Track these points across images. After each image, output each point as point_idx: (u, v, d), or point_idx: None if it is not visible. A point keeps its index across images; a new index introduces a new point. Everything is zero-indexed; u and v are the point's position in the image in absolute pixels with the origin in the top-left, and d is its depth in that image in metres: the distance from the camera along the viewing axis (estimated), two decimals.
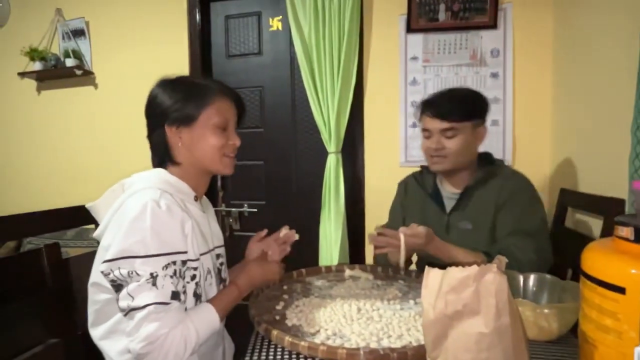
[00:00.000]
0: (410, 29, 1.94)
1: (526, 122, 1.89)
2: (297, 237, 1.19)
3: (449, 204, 1.33)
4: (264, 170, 2.27)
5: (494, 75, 1.90)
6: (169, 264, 0.81)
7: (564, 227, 1.55)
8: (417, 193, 1.42)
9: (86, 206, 0.92)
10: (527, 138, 1.89)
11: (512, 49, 1.87)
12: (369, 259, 1.97)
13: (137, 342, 0.77)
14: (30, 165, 2.56)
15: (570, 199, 1.54)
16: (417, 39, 1.95)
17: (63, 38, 2.41)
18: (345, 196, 2.02)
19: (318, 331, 0.87)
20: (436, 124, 1.24)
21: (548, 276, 0.99)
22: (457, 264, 1.13)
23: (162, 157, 0.96)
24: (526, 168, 1.89)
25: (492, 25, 1.86)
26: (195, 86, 0.95)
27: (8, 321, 0.71)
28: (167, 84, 0.96)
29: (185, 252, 0.86)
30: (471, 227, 1.27)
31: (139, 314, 0.77)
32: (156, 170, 0.94)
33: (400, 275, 1.25)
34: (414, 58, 1.97)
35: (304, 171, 2.21)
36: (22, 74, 2.40)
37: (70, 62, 2.32)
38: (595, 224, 1.38)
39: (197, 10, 2.22)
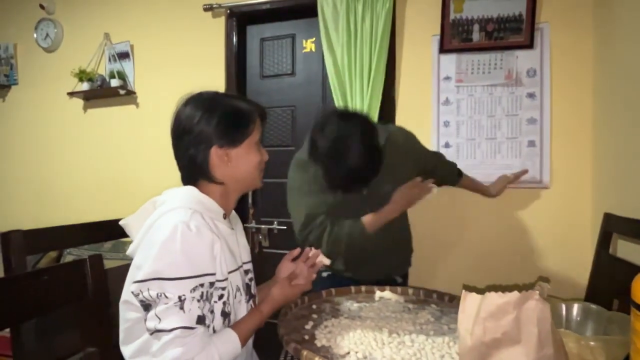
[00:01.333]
0: (443, 49, 1.94)
1: (565, 143, 1.83)
2: (327, 261, 1.16)
3: None
4: None
5: (531, 96, 1.85)
6: (197, 286, 0.82)
7: (608, 253, 1.47)
8: (320, 177, 1.26)
9: (120, 223, 0.94)
10: (566, 159, 1.82)
11: (550, 69, 1.83)
12: None
13: None
14: (75, 179, 2.69)
15: (615, 224, 1.45)
16: (450, 58, 1.94)
17: (109, 60, 2.56)
18: None
19: (348, 353, 0.85)
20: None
21: (593, 306, 0.93)
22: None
23: (197, 175, 0.95)
24: (566, 190, 1.83)
25: (529, 45, 1.83)
26: (241, 108, 0.96)
27: (49, 329, 0.74)
28: (208, 106, 0.94)
29: (214, 274, 0.86)
30: (390, 189, 1.30)
31: (166, 337, 0.78)
32: (187, 189, 0.95)
33: (432, 298, 1.21)
34: (447, 78, 1.96)
35: None
36: (71, 94, 2.56)
37: (114, 83, 2.46)
38: None
39: (234, 33, 2.31)
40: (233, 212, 1.09)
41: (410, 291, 1.26)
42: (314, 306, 1.14)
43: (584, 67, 1.79)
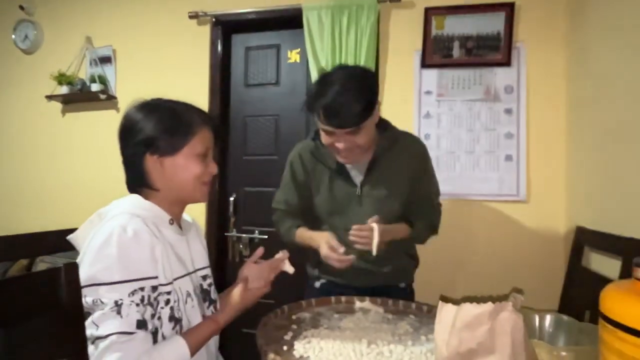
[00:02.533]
0: (424, 64, 1.99)
1: (541, 158, 1.89)
2: (290, 270, 1.10)
3: (357, 177, 1.33)
4: None
5: (508, 111, 1.91)
6: (135, 290, 0.81)
7: (580, 266, 1.51)
8: (318, 169, 1.37)
9: (67, 238, 0.91)
10: (542, 174, 1.88)
11: (526, 86, 1.90)
12: None
13: None
14: (51, 184, 2.62)
15: (587, 237, 1.51)
16: (431, 73, 1.99)
17: (90, 64, 2.52)
18: None
19: None
20: (338, 130, 1.18)
21: (565, 317, 0.96)
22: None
23: (137, 182, 0.95)
24: (541, 204, 1.88)
25: (506, 62, 1.89)
26: (180, 115, 0.94)
27: (19, 341, 0.71)
28: (150, 110, 0.94)
29: (156, 277, 0.85)
30: (386, 192, 1.31)
31: (102, 344, 0.76)
32: (131, 197, 0.94)
33: (411, 309, 1.22)
34: (428, 92, 2.00)
35: None
36: (50, 97, 2.50)
37: (95, 87, 2.42)
38: (613, 264, 1.35)
39: (219, 42, 2.32)
40: (189, 218, 1.08)
41: (390, 302, 1.27)
42: (294, 316, 1.14)
43: (557, 84, 1.87)
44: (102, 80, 2.46)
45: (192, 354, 0.88)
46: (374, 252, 1.17)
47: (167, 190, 0.95)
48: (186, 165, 0.93)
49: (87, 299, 0.78)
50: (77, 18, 2.59)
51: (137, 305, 0.80)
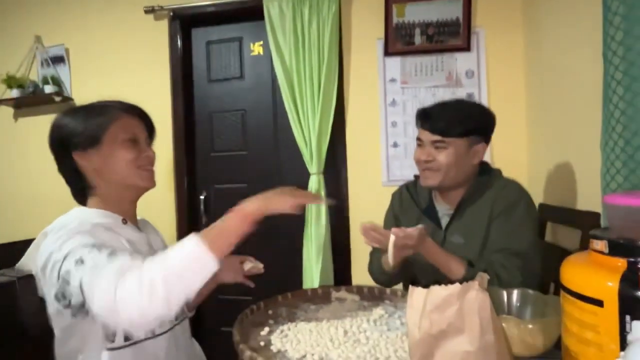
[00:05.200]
0: (387, 52, 2.00)
1: (502, 140, 1.94)
2: (261, 269, 1.11)
3: (444, 220, 1.28)
4: (247, 193, 2.25)
5: (470, 96, 1.96)
6: (96, 243, 0.79)
7: (544, 241, 1.58)
8: (412, 207, 1.35)
9: (16, 267, 0.90)
10: (505, 155, 1.94)
11: (486, 70, 1.95)
12: (356, 279, 1.96)
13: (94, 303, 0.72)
14: (6, 193, 2.48)
15: (548, 213, 1.57)
16: (394, 61, 2.01)
17: (42, 65, 2.39)
18: (330, 216, 2.02)
19: (304, 356, 0.85)
20: (427, 135, 1.20)
21: (530, 291, 1.00)
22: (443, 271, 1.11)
23: (78, 187, 0.94)
24: None
25: (466, 48, 1.93)
26: (94, 108, 0.94)
27: None
28: (66, 113, 0.95)
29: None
30: (463, 241, 1.21)
31: (106, 278, 0.72)
32: (73, 210, 0.93)
33: (386, 294, 1.24)
34: (393, 80, 2.02)
35: None
36: None
37: (49, 89, 2.30)
38: (574, 238, 1.41)
39: (178, 37, 2.25)
40: (145, 220, 1.08)
41: (365, 289, 1.28)
42: (270, 311, 1.13)
43: (516, 67, 1.93)
44: (56, 81, 2.34)
45: (217, 250, 0.76)
46: (390, 261, 1.09)
47: (106, 184, 0.93)
48: (112, 153, 0.91)
49: (62, 271, 0.75)
50: (24, 16, 2.44)
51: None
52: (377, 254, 1.30)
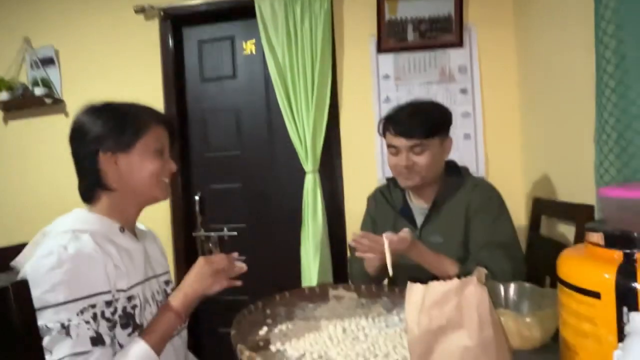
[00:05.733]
0: (380, 49, 2.00)
1: (497, 135, 1.96)
2: (244, 268, 1.04)
3: (419, 219, 1.32)
4: (242, 192, 2.26)
5: (463, 91, 1.96)
6: (85, 308, 0.78)
7: (539, 235, 1.59)
8: (387, 209, 1.39)
9: (11, 264, 0.87)
10: (499, 150, 1.95)
11: (479, 65, 1.95)
12: None
13: None
14: None
15: (543, 207, 1.58)
16: (388, 58, 2.01)
17: (31, 67, 2.36)
18: (327, 214, 2.03)
19: (303, 355, 0.85)
20: (403, 142, 1.23)
21: (527, 285, 1.00)
22: (436, 274, 1.12)
23: (92, 184, 0.92)
24: (499, 179, 1.94)
25: (458, 43, 1.94)
26: (129, 113, 0.93)
27: None
28: (98, 111, 0.93)
29: (108, 292, 0.82)
30: (442, 240, 1.25)
31: None
32: (73, 212, 0.92)
33: (384, 292, 1.24)
34: (386, 76, 2.02)
35: (283, 192, 2.20)
36: None
37: (39, 91, 2.27)
38: (569, 231, 1.43)
39: (169, 36, 2.23)
40: (143, 227, 1.07)
41: (363, 287, 1.28)
42: (268, 311, 1.13)
43: (508, 62, 1.93)
44: (46, 83, 2.31)
45: (158, 351, 0.85)
46: (390, 271, 1.08)
47: (124, 190, 0.92)
48: (142, 162, 0.91)
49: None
50: (12, 17, 2.40)
51: (88, 322, 0.77)
52: (357, 260, 1.30)
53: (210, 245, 2.26)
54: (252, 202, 2.24)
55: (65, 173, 2.37)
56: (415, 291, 0.63)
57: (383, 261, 1.10)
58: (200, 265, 0.95)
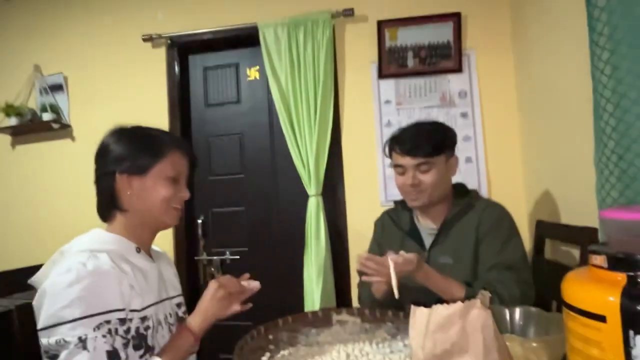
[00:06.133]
0: (381, 74, 2.04)
1: (498, 157, 1.97)
2: (258, 286, 1.07)
3: (427, 240, 1.31)
4: (245, 216, 2.26)
5: (464, 115, 1.99)
6: (101, 323, 0.79)
7: (543, 258, 1.58)
8: (394, 231, 1.39)
9: (29, 282, 0.89)
10: (500, 173, 1.96)
11: (478, 90, 1.99)
12: (355, 301, 1.94)
13: None
14: (3, 221, 2.46)
15: (546, 230, 1.57)
16: (389, 83, 2.05)
17: (40, 93, 2.42)
18: (330, 238, 2.02)
19: None
20: (408, 161, 1.24)
21: (533, 309, 0.99)
22: (443, 296, 1.10)
23: (107, 204, 0.95)
24: (502, 202, 1.92)
25: (458, 69, 1.98)
26: (151, 137, 0.96)
27: None
28: (122, 133, 0.97)
29: (123, 310, 0.83)
30: (452, 262, 1.24)
31: None
32: (91, 232, 0.94)
33: (388, 316, 1.22)
34: (388, 101, 2.06)
35: (286, 215, 2.20)
36: None
37: (47, 116, 2.31)
38: (574, 253, 1.41)
39: (176, 63, 2.29)
40: (158, 249, 1.08)
41: (367, 311, 1.27)
42: (271, 336, 1.11)
43: (508, 87, 1.97)
44: (54, 109, 2.36)
45: None
46: (396, 294, 1.05)
47: (135, 212, 0.94)
48: (155, 187, 0.93)
49: (51, 339, 0.75)
50: (23, 46, 2.48)
51: (104, 336, 0.78)
52: (365, 285, 1.30)
53: (213, 269, 2.25)
54: (254, 225, 2.24)
55: (71, 197, 2.41)
56: (419, 315, 0.62)
57: (390, 285, 1.09)
58: (213, 288, 0.96)
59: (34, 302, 0.83)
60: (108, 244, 0.90)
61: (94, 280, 0.80)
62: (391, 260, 1.06)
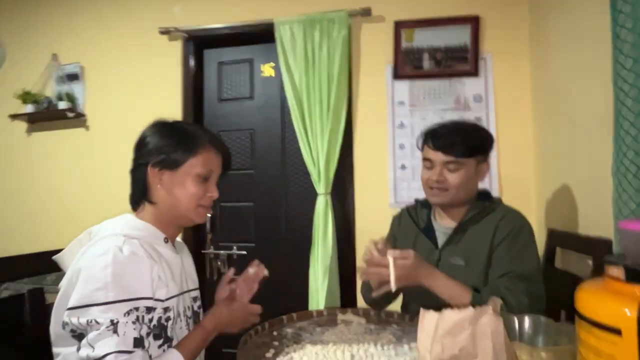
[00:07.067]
0: (396, 75, 2.03)
1: (511, 164, 1.94)
2: (266, 273, 1.14)
3: (441, 239, 1.29)
4: (253, 211, 2.26)
5: (478, 120, 1.96)
6: (131, 310, 0.80)
7: (553, 267, 1.55)
8: (410, 227, 1.37)
9: (53, 258, 0.91)
10: (513, 179, 1.93)
11: (494, 94, 1.96)
12: (361, 300, 1.94)
13: None
14: (17, 207, 2.50)
15: (558, 239, 1.55)
16: (403, 85, 2.04)
17: (57, 82, 2.45)
18: (337, 238, 2.01)
19: None
20: (439, 156, 1.21)
21: (543, 318, 0.97)
22: (445, 298, 1.09)
23: (138, 194, 0.97)
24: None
25: (474, 73, 1.96)
26: (187, 133, 0.97)
27: None
28: (160, 126, 0.99)
29: (151, 298, 0.85)
30: (463, 263, 1.21)
31: None
32: (123, 216, 0.96)
33: (393, 319, 1.22)
34: (401, 103, 2.04)
35: (294, 213, 2.20)
36: (14, 116, 2.41)
37: (62, 105, 2.34)
38: (585, 264, 1.39)
39: (191, 57, 2.30)
40: (179, 240, 1.09)
41: (372, 312, 1.26)
42: (275, 332, 1.12)
43: (523, 92, 1.94)
44: (70, 98, 2.38)
45: None
46: (393, 287, 1.05)
47: (163, 206, 0.95)
48: (183, 184, 0.94)
49: (81, 320, 0.77)
50: (43, 35, 2.52)
51: (134, 323, 0.79)
52: (368, 283, 1.28)
53: (219, 263, 2.26)
54: (263, 221, 2.24)
55: (84, 184, 2.43)
56: (428, 319, 0.61)
57: (400, 285, 1.07)
58: (237, 307, 1.06)
59: (63, 281, 0.86)
60: (140, 230, 0.92)
61: (129, 265, 0.82)
62: (390, 255, 1.05)
